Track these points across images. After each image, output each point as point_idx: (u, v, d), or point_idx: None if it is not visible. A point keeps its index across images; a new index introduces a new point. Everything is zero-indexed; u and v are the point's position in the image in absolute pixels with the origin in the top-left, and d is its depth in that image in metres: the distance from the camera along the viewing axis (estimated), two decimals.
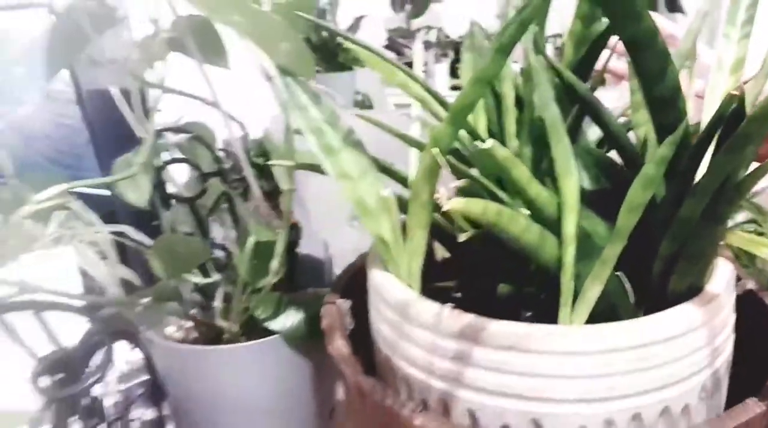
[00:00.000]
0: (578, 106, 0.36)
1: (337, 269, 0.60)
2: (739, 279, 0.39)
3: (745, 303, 0.37)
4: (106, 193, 0.57)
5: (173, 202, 0.57)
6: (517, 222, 0.27)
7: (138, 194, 0.51)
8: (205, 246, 0.50)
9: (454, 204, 0.24)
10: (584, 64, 0.37)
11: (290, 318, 0.50)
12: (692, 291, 0.32)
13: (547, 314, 0.32)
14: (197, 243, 0.49)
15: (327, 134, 0.38)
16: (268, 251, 0.47)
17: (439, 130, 0.31)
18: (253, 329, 0.50)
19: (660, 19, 0.51)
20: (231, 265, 0.55)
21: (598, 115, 0.34)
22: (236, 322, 0.50)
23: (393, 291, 0.35)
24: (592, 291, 0.30)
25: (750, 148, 0.27)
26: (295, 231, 0.55)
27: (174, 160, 0.54)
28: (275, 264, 0.47)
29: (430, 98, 0.38)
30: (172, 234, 0.52)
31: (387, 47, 2.20)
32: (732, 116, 0.26)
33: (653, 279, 0.32)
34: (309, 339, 0.48)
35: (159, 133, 0.56)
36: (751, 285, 0.40)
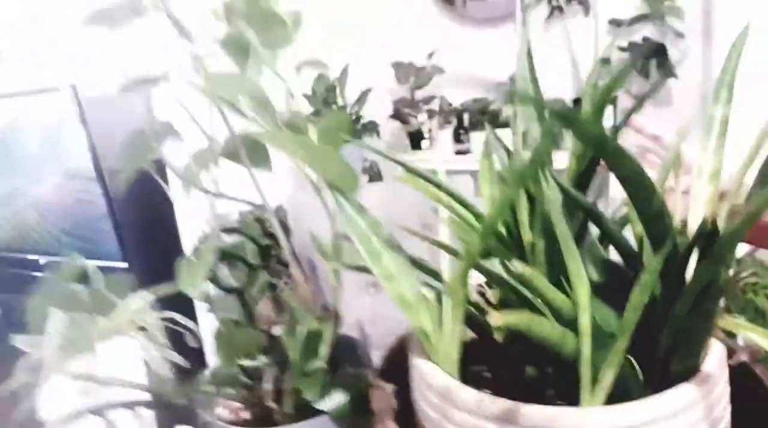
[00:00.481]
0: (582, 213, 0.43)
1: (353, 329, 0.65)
2: (733, 353, 0.44)
3: (740, 373, 0.43)
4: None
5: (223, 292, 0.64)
6: (544, 326, 0.34)
7: (194, 288, 0.58)
8: (259, 335, 0.56)
9: (501, 321, 0.30)
10: (585, 176, 0.45)
11: (336, 398, 0.55)
12: (690, 371, 0.38)
13: (568, 394, 0.38)
14: (253, 333, 0.55)
15: (372, 241, 0.45)
16: (316, 338, 0.53)
17: (472, 244, 0.37)
18: (300, 409, 0.55)
19: (645, 121, 0.58)
20: (276, 349, 0.61)
21: (599, 222, 0.41)
22: (287, 403, 0.55)
23: (436, 378, 0.41)
24: (608, 376, 0.36)
25: (728, 257, 0.33)
26: (338, 320, 0.61)
27: (226, 255, 0.61)
28: (324, 350, 0.52)
29: (459, 207, 0.45)
30: (232, 324, 0.58)
31: (393, 116, 2.31)
32: (708, 234, 0.33)
33: (658, 362, 0.38)
34: (354, 418, 0.53)
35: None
36: (744, 357, 0.45)
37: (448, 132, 2.28)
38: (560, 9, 2.08)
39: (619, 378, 0.36)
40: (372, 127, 2.22)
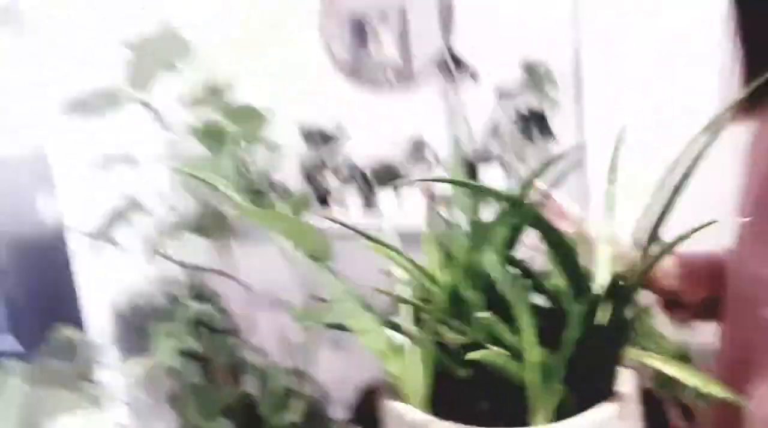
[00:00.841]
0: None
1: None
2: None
3: (647, 397, 0.54)
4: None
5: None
6: (506, 361, 0.43)
7: (171, 357, 0.62)
8: (224, 395, 0.61)
9: (479, 356, 0.39)
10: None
11: None
12: (609, 393, 0.48)
13: (519, 418, 0.47)
14: (216, 394, 0.60)
15: (347, 301, 0.52)
16: (287, 394, 0.59)
17: (435, 309, 0.47)
18: None
19: (558, 201, 0.70)
20: (241, 408, 0.65)
21: (532, 278, 0.52)
22: None
23: (412, 415, 0.49)
24: (552, 402, 0.46)
25: (630, 302, 0.45)
26: (309, 377, 0.67)
27: (199, 323, 0.66)
28: (297, 405, 0.58)
29: (415, 271, 0.54)
30: (193, 387, 0.63)
31: (303, 178, 2.40)
32: (614, 287, 0.44)
33: (584, 386, 0.48)
34: None
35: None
36: (649, 383, 0.57)
37: (354, 191, 2.40)
38: (453, 78, 2.30)
39: (559, 400, 0.46)
40: (282, 188, 2.28)
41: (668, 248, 0.45)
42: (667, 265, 0.66)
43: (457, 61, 2.30)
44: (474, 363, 0.47)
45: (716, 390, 0.45)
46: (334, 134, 2.25)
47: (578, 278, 0.46)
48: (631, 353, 0.51)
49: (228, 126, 0.59)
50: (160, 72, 0.56)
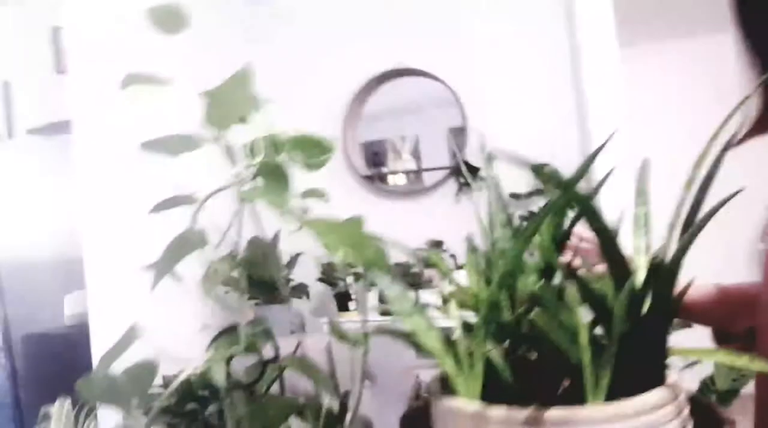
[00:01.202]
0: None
1: None
2: None
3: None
4: None
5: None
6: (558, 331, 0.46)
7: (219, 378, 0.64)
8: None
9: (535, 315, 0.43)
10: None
11: None
12: (660, 380, 0.50)
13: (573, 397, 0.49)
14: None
15: (404, 302, 0.56)
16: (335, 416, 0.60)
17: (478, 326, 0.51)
18: None
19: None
20: None
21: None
22: None
23: (467, 406, 0.51)
24: (605, 380, 0.48)
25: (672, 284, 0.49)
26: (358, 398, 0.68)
27: (247, 349, 0.68)
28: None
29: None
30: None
31: (320, 280, 2.45)
32: (658, 267, 0.48)
33: (636, 375, 0.50)
34: None
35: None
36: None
37: (373, 294, 2.42)
38: (468, 184, 2.42)
39: (611, 382, 0.49)
40: (302, 289, 2.32)
41: (702, 223, 0.49)
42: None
43: (471, 168, 2.44)
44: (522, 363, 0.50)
45: (762, 366, 0.47)
46: None
47: (621, 266, 0.50)
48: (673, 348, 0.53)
49: (293, 157, 0.67)
50: (233, 120, 0.65)
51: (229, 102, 0.68)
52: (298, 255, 2.33)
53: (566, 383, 0.52)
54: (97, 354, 1.69)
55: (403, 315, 0.56)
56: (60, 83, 2.44)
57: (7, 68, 2.55)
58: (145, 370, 0.62)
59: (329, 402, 0.62)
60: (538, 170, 0.51)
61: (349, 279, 2.37)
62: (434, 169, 2.76)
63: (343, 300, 2.41)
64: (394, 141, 3.00)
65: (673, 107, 3.97)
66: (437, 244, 2.26)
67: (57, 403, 1.01)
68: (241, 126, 0.72)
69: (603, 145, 0.58)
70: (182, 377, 0.67)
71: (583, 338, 0.48)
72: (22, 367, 2.02)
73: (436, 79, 2.54)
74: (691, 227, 0.50)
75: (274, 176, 0.68)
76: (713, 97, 2.45)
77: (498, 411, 0.49)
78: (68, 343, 2.02)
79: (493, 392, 0.56)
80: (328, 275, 2.38)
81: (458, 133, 2.64)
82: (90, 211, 1.72)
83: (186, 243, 0.69)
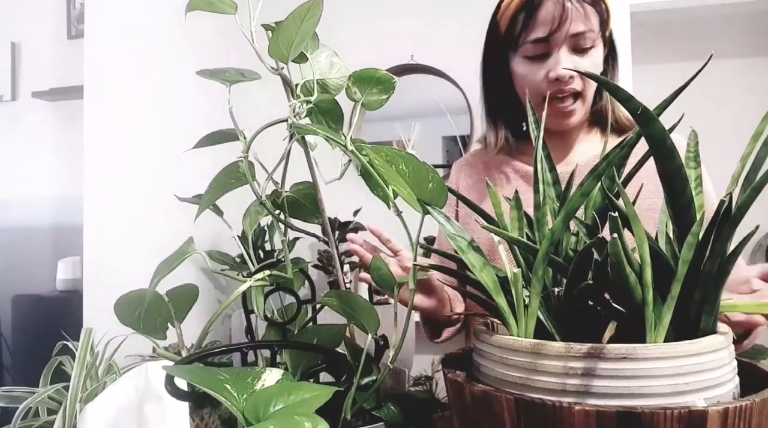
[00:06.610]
0: None
1: None
2: None
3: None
4: None
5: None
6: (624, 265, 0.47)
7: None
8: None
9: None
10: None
11: (388, 408, 0.61)
12: (713, 327, 0.51)
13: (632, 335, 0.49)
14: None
15: (460, 240, 0.56)
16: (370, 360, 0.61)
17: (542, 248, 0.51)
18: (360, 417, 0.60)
19: None
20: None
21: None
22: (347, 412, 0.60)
23: (522, 342, 0.51)
24: (666, 320, 0.48)
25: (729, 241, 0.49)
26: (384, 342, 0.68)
27: (277, 289, 0.68)
28: (377, 371, 0.60)
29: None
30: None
31: (316, 266, 2.43)
32: (725, 213, 0.49)
33: (695, 316, 0.51)
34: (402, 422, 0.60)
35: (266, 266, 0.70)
36: None
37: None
38: None
39: (672, 324, 0.49)
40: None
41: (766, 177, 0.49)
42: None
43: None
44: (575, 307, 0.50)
45: None
46: (351, 225, 2.32)
47: (688, 212, 0.51)
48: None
49: (352, 94, 0.67)
50: (297, 53, 0.65)
51: (293, 35, 0.67)
52: (295, 239, 2.31)
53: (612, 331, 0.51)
54: (88, 318, 1.67)
55: (462, 251, 0.56)
56: (71, 48, 2.42)
57: (19, 30, 2.52)
58: (188, 292, 0.61)
59: (370, 338, 0.61)
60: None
61: (345, 268, 2.36)
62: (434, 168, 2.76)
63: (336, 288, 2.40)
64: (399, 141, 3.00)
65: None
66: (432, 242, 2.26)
67: (82, 333, 1.00)
68: (297, 66, 0.72)
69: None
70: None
71: (647, 276, 0.49)
72: (10, 327, 2.00)
73: (448, 78, 2.55)
74: (754, 181, 0.51)
75: (329, 112, 0.68)
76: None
77: (558, 344, 0.49)
78: (58, 307, 1.99)
79: (542, 334, 0.56)
80: (324, 262, 2.37)
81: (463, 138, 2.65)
82: (93, 178, 1.70)
83: (232, 177, 0.68)
